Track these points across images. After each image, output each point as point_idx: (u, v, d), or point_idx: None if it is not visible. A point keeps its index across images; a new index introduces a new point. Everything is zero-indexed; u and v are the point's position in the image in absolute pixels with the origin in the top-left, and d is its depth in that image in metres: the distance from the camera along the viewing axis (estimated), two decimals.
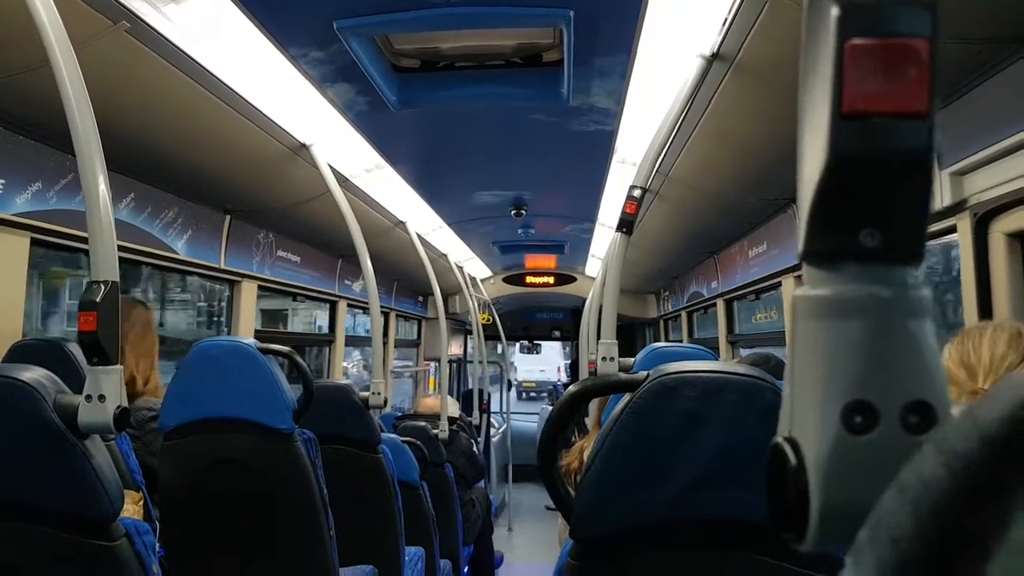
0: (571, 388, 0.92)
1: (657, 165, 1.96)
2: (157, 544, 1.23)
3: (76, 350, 1.65)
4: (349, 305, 4.42)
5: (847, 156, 0.31)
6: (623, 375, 0.94)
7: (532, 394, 16.02)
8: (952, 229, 1.76)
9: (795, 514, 0.33)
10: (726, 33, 1.62)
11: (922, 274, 0.33)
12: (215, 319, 3.68)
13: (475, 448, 4.09)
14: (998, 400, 0.23)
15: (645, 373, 0.89)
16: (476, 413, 5.63)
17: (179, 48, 1.66)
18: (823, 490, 0.32)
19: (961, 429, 0.23)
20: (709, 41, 1.70)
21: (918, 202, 0.32)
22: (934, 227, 1.81)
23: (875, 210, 0.32)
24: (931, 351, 0.33)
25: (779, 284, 3.16)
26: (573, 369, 8.04)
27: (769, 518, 0.35)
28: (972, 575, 0.22)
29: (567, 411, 0.92)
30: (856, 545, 0.26)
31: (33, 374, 1.07)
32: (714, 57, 1.73)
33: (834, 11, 0.31)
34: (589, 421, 2.62)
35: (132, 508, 1.59)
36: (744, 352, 4.02)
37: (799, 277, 2.91)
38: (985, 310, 1.67)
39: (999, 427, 0.22)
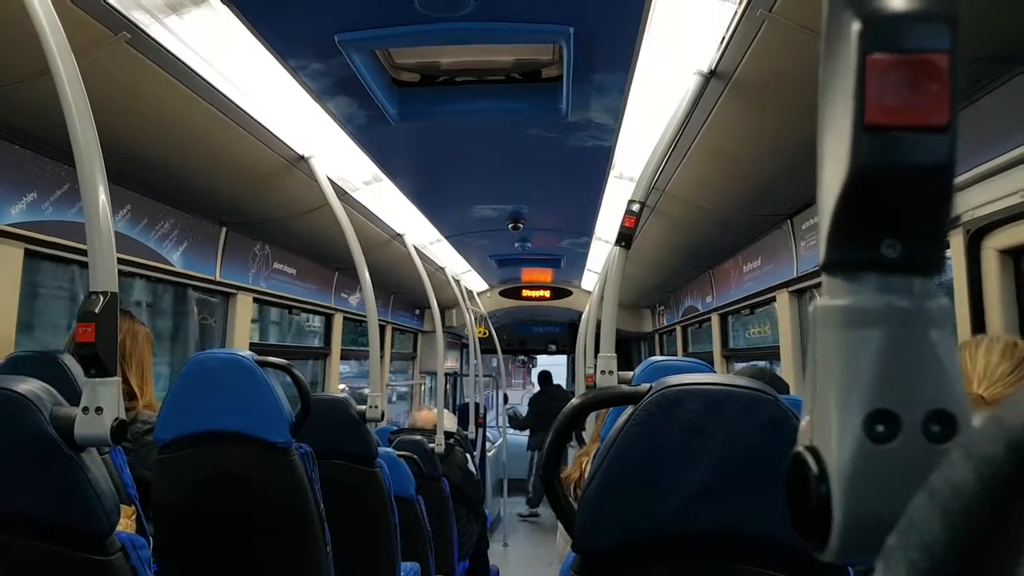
0: (573, 400, 0.92)
1: (654, 180, 1.97)
2: (152, 559, 1.22)
3: (71, 362, 1.63)
4: (345, 318, 4.40)
5: (869, 168, 0.32)
6: (626, 387, 0.94)
7: None
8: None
9: (817, 523, 0.33)
10: (723, 51, 1.64)
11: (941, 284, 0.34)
12: None
13: (470, 463, 4.07)
14: (1023, 405, 0.23)
15: (648, 385, 0.89)
16: (472, 427, 5.61)
17: (179, 59, 1.67)
18: (846, 499, 0.33)
19: (988, 434, 0.23)
20: (707, 58, 1.72)
21: (938, 214, 0.33)
22: None
23: (896, 221, 0.33)
24: (951, 360, 0.33)
25: (773, 299, 3.17)
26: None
27: (790, 528, 0.35)
28: None
29: (570, 423, 0.91)
30: (886, 550, 0.26)
31: (29, 386, 1.05)
32: (711, 74, 1.75)
33: (855, 26, 0.31)
34: (587, 435, 2.62)
35: (125, 522, 1.57)
36: (738, 366, 4.04)
37: (793, 292, 2.93)
38: (978, 326, 1.68)
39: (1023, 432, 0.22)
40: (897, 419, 0.32)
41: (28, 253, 1.98)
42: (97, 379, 1.06)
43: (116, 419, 1.05)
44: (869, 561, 0.28)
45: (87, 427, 1.04)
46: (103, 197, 1.09)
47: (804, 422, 0.35)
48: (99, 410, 1.04)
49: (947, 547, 0.24)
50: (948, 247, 1.78)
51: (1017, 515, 0.22)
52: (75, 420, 1.04)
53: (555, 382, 7.89)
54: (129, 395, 1.94)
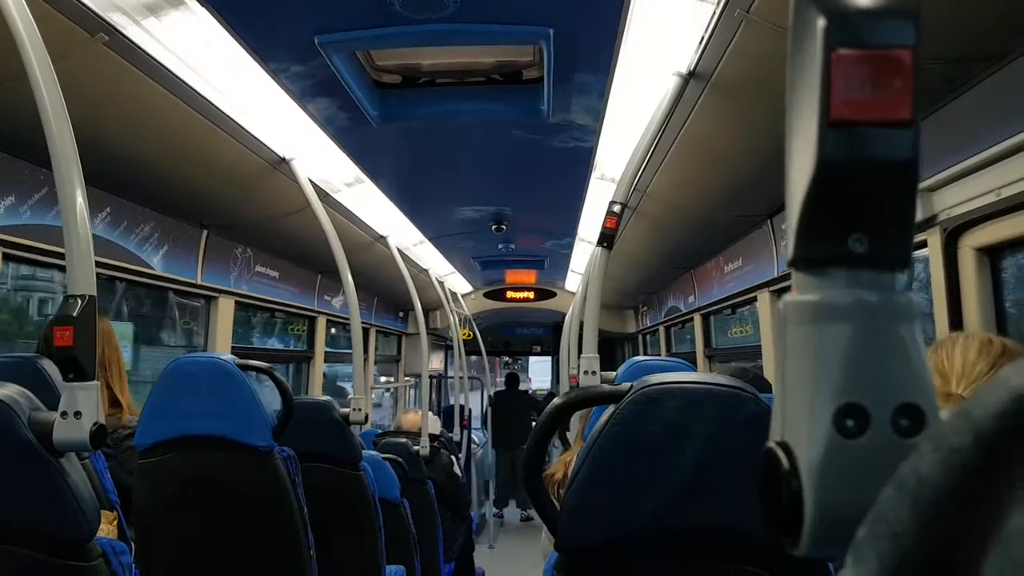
0: (555, 400, 0.92)
1: (635, 182, 1.98)
2: (134, 564, 1.20)
3: (49, 366, 1.61)
4: (328, 321, 4.38)
5: (835, 164, 0.32)
6: (607, 386, 0.94)
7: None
8: (922, 244, 1.80)
9: (789, 518, 0.33)
10: (702, 52, 1.65)
11: (908, 280, 0.34)
12: None
13: (455, 465, 4.07)
14: (990, 398, 0.23)
15: (629, 385, 0.89)
16: (457, 429, 5.60)
17: (158, 61, 1.65)
18: (817, 494, 0.33)
19: (956, 426, 0.24)
20: (686, 60, 1.73)
21: (904, 208, 0.33)
22: None
23: (863, 216, 0.33)
24: (919, 355, 0.34)
25: (754, 299, 3.19)
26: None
27: (763, 523, 0.35)
28: (971, 568, 0.22)
29: (552, 423, 0.92)
30: (856, 542, 0.26)
31: (6, 391, 1.04)
32: (691, 75, 1.76)
33: (820, 22, 0.32)
34: (571, 435, 2.62)
35: (106, 528, 1.55)
36: (722, 367, 4.06)
37: (774, 292, 2.95)
38: (955, 324, 1.70)
39: (991, 423, 0.23)
40: (866, 413, 0.33)
41: (6, 257, 1.96)
42: (75, 383, 1.05)
43: (95, 423, 1.04)
44: (841, 555, 0.28)
45: (66, 432, 1.02)
46: (80, 200, 1.08)
47: (775, 417, 0.36)
48: (78, 414, 1.03)
49: (916, 538, 0.24)
50: (914, 241, 1.80)
51: (984, 505, 0.22)
52: (54, 425, 1.02)
53: (524, 387, 7.76)
54: (113, 402, 1.92)
